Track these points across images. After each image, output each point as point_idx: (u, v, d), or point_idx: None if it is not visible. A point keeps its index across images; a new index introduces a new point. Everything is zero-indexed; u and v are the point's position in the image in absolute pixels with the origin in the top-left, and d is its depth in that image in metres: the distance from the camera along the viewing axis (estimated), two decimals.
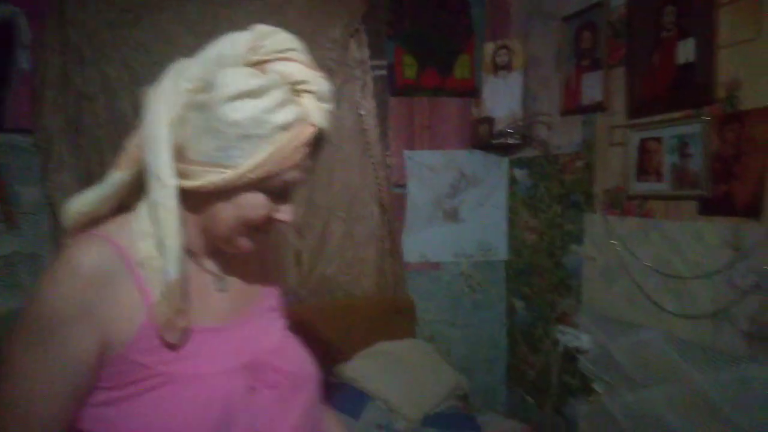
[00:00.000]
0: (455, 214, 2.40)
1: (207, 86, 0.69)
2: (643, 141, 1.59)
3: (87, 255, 0.69)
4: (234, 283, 0.85)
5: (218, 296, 0.82)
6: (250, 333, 0.82)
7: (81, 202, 0.75)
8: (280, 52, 0.71)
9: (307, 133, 0.72)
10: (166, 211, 0.70)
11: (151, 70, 2.02)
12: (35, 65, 1.89)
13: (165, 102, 0.70)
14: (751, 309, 1.30)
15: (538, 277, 2.20)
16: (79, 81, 1.93)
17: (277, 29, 0.72)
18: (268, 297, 0.91)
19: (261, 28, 0.71)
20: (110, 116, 1.96)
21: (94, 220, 0.76)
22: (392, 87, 2.28)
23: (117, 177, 0.75)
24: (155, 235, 0.71)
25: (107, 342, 0.69)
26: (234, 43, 0.70)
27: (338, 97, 2.18)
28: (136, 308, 0.70)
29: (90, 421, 0.70)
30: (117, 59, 1.95)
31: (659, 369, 1.57)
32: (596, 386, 1.85)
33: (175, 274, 0.70)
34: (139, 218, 0.73)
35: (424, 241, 2.37)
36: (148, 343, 0.70)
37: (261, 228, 0.77)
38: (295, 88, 0.71)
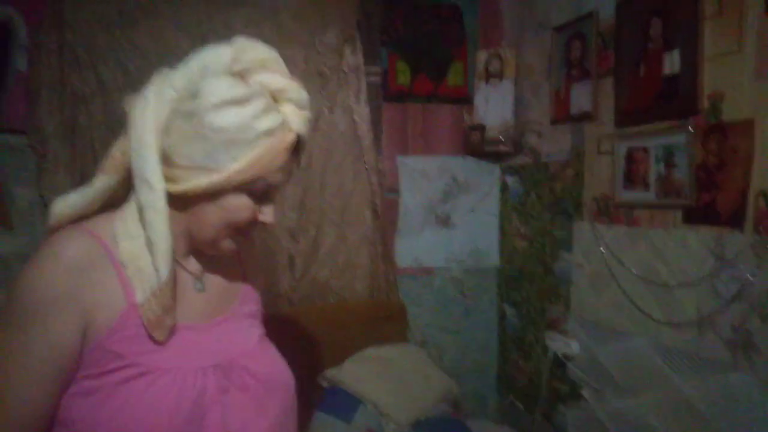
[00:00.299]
0: (447, 219, 2.42)
1: (192, 95, 0.72)
2: (630, 150, 1.62)
3: (70, 244, 0.72)
4: (213, 284, 0.87)
5: (197, 296, 0.84)
6: (226, 334, 0.84)
7: (65, 204, 0.78)
8: (261, 63, 0.74)
9: (288, 138, 0.76)
10: (155, 213, 0.73)
11: (146, 73, 2.04)
12: (31, 66, 1.91)
13: (151, 110, 0.73)
14: (734, 317, 1.32)
15: (529, 283, 2.22)
16: (75, 82, 1.95)
17: (257, 41, 0.76)
18: (248, 302, 0.93)
19: (241, 41, 0.75)
20: (105, 118, 1.98)
21: (77, 221, 0.78)
22: (386, 93, 2.31)
23: (102, 181, 0.78)
24: (144, 236, 0.74)
25: (87, 328, 0.71)
26: (217, 54, 0.74)
27: (332, 103, 2.21)
28: (116, 299, 0.73)
29: (67, 411, 0.72)
30: (112, 61, 1.97)
31: (646, 376, 1.59)
32: (585, 393, 1.87)
33: (166, 275, 0.73)
34: (124, 219, 0.76)
35: (417, 246, 2.38)
36: (125, 334, 0.73)
37: (244, 230, 0.80)
38: (276, 97, 0.75)
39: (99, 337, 0.72)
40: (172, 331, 0.76)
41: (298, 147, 0.78)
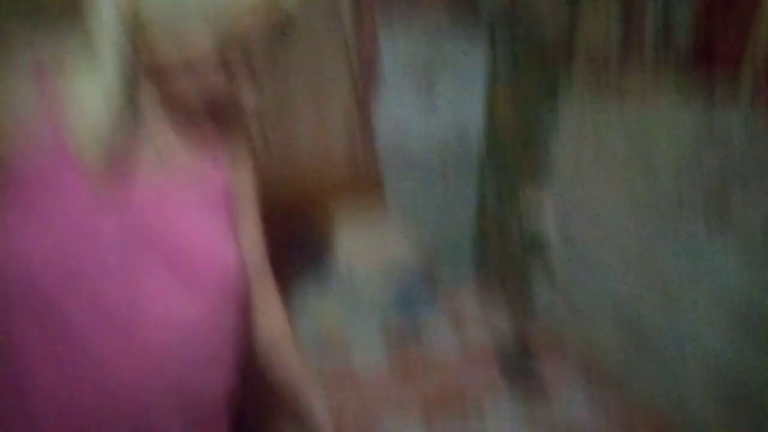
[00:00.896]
0: (431, 96, 2.31)
1: None
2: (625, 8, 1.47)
3: None
4: (175, 159, 0.80)
5: (148, 163, 0.77)
6: (163, 201, 0.77)
7: None
8: None
9: (274, 16, 0.70)
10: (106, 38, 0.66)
11: None
12: None
13: None
14: (715, 195, 1.27)
15: (512, 163, 2.17)
16: None
17: None
18: (214, 190, 0.84)
19: None
20: None
21: None
22: None
23: None
24: (97, 69, 0.68)
25: None
26: None
27: None
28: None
29: None
30: None
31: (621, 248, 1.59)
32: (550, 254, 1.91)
33: (114, 118, 0.69)
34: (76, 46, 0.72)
35: (397, 123, 2.29)
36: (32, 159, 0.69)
37: (224, 106, 0.78)
38: None
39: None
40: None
41: (285, 25, 0.73)
